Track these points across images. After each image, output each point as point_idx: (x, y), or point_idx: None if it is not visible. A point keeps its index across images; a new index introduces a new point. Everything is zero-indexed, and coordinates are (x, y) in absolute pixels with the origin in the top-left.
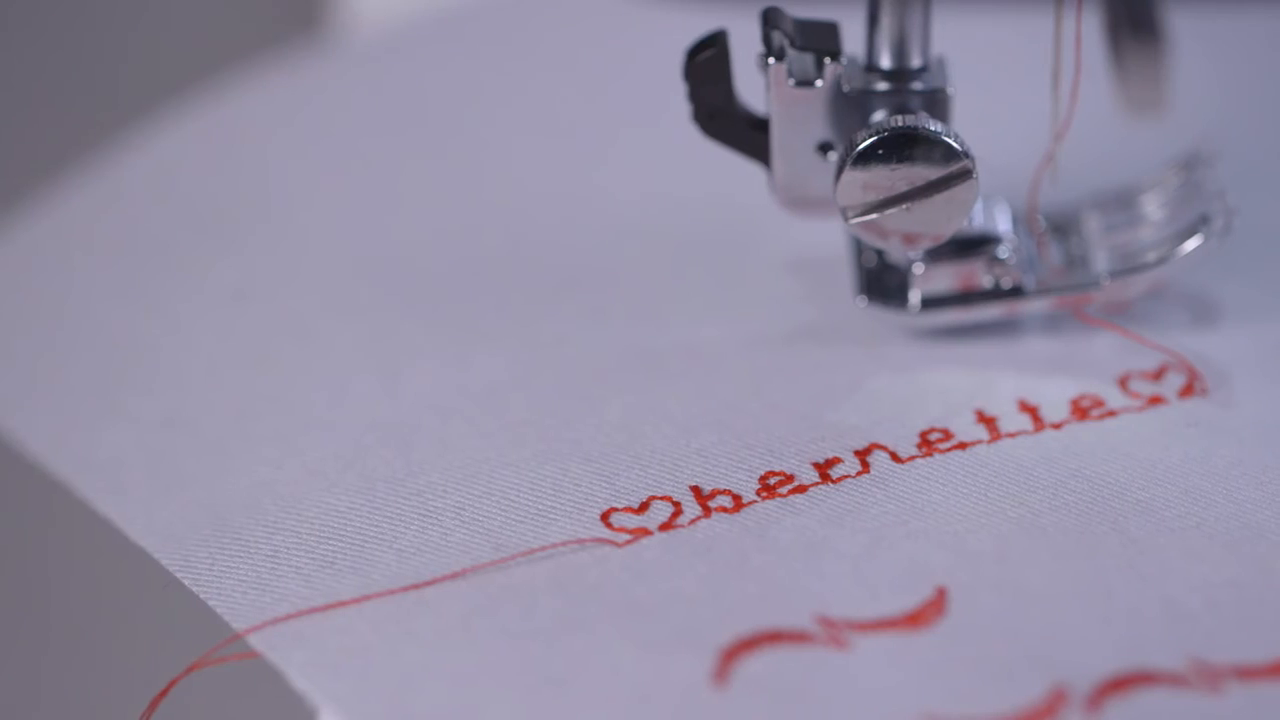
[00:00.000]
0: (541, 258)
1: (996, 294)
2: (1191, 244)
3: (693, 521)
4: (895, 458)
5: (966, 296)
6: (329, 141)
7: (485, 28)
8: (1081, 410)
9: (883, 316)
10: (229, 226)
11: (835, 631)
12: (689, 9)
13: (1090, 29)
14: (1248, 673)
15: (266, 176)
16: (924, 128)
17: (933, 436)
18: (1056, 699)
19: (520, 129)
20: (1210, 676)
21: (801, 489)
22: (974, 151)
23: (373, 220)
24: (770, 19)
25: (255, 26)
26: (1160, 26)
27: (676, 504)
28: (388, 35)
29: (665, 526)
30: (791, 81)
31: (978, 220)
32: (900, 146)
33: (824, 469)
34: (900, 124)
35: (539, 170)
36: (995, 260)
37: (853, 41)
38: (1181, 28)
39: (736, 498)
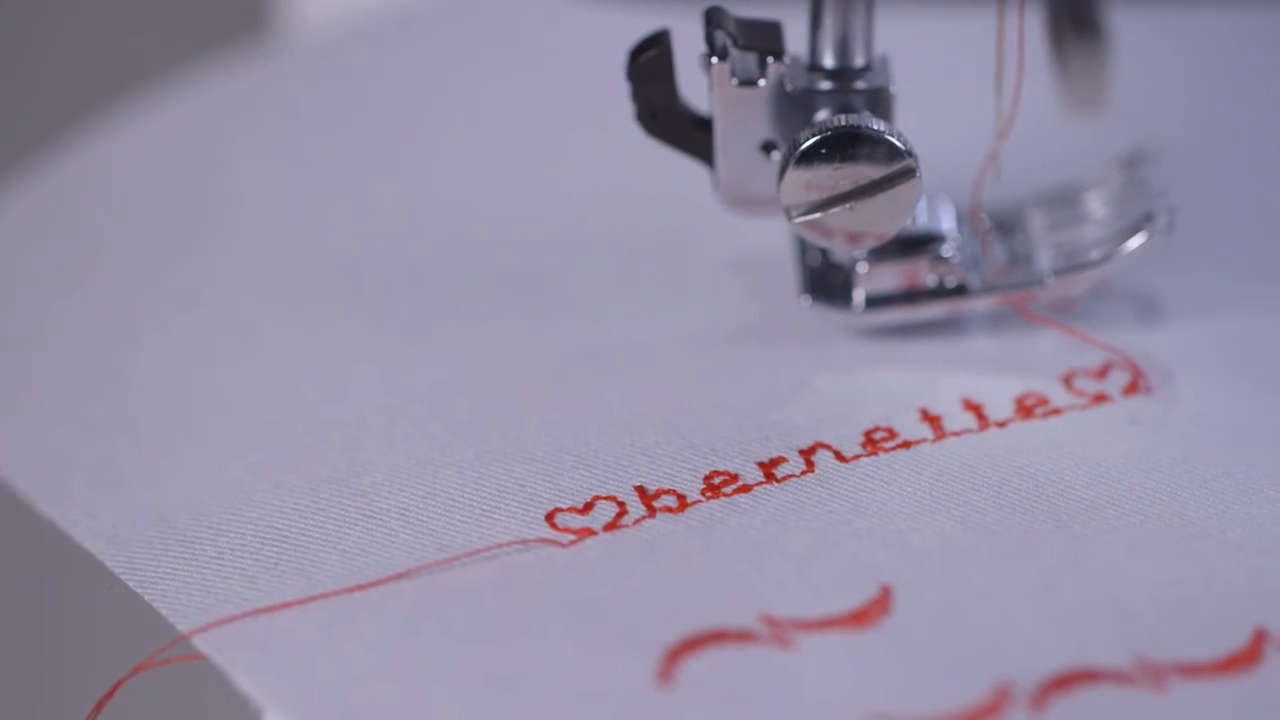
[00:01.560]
0: (486, 258)
1: (940, 293)
2: (1135, 241)
3: (637, 521)
4: (840, 457)
5: (910, 295)
6: (275, 143)
7: (429, 29)
8: (1026, 408)
9: (827, 315)
10: (175, 228)
11: (780, 631)
12: (632, 9)
13: (1033, 28)
14: (1192, 670)
15: (213, 178)
16: (867, 127)
17: (877, 435)
18: (1001, 697)
19: (465, 130)
20: (1154, 674)
21: (746, 488)
22: (917, 150)
23: (318, 221)
24: (713, 18)
25: (202, 28)
26: (1101, 25)
27: (621, 504)
28: (333, 37)
29: (610, 526)
30: (734, 81)
31: (921, 219)
32: (843, 145)
33: (768, 468)
34: (843, 123)
35: (484, 171)
36: (939, 259)
37: (795, 41)
38: (1124, 26)
39: (681, 497)
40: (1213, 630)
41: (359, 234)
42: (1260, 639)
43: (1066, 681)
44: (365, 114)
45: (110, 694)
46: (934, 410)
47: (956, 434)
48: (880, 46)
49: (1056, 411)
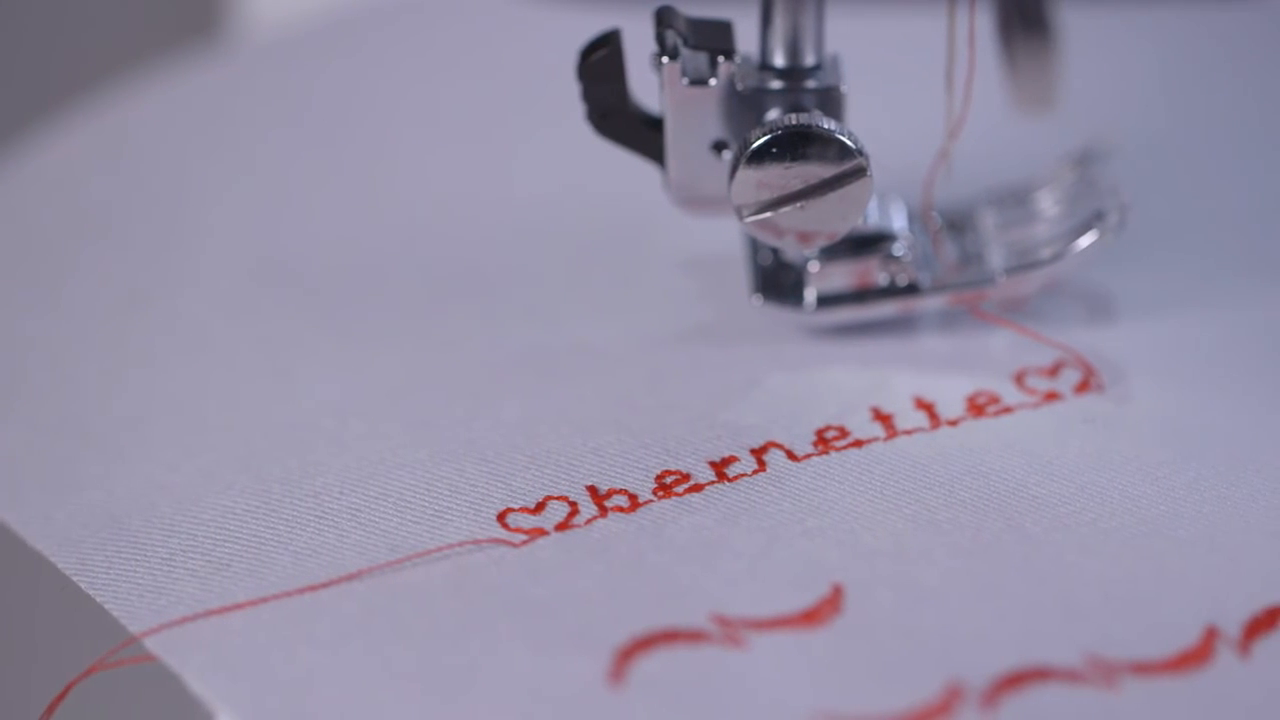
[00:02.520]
0: (438, 259)
1: (892, 291)
2: (1086, 240)
3: (589, 521)
4: (791, 456)
5: (862, 294)
6: (227, 144)
7: (380, 30)
8: (977, 407)
9: (778, 315)
10: (126, 229)
11: (731, 630)
12: (583, 9)
13: (984, 27)
14: (1143, 668)
15: (165, 179)
16: (818, 126)
17: (829, 435)
18: (952, 695)
19: (416, 131)
20: (1106, 672)
21: (698, 488)
22: (868, 149)
23: (269, 222)
24: (663, 18)
25: (155, 29)
26: (1051, 23)
27: (573, 504)
28: (285, 38)
29: (561, 526)
30: (685, 80)
31: (873, 218)
32: (794, 145)
33: (720, 468)
34: (794, 122)
35: (434, 171)
36: (891, 258)
37: (746, 40)
38: (1074, 24)
39: (633, 497)
40: (1164, 628)
41: (311, 235)
42: (1211, 637)
43: (1018, 680)
44: (317, 115)
45: (61, 696)
46: (886, 409)
47: (908, 433)
48: (831, 46)
49: (1008, 410)
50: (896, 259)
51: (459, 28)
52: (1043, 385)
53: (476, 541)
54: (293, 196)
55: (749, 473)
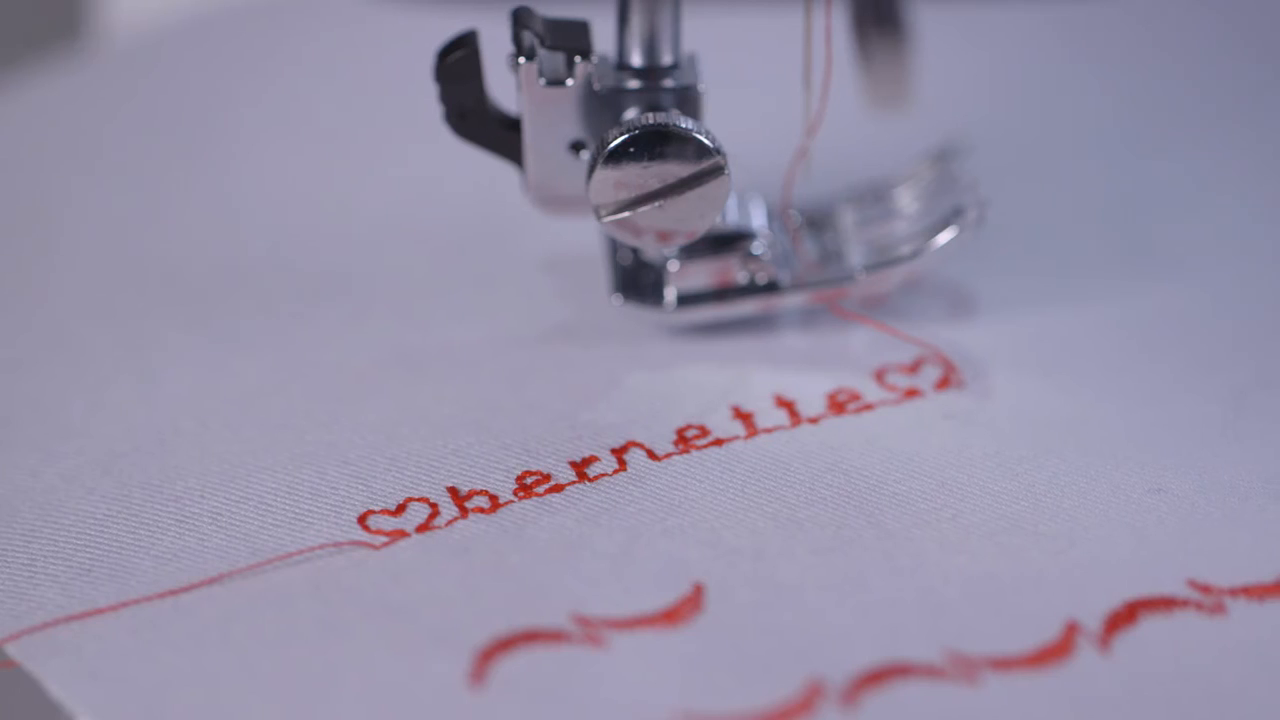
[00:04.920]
0: (298, 261)
1: (752, 290)
2: (945, 236)
3: (450, 523)
4: (652, 455)
5: (722, 293)
6: (89, 147)
7: (240, 33)
8: (838, 404)
9: (639, 314)
10: None
11: (592, 630)
12: (439, 11)
13: (840, 25)
14: (1003, 664)
15: (26, 182)
16: (675, 125)
17: (689, 433)
18: (813, 693)
19: (276, 133)
20: (966, 668)
21: (559, 488)
22: (726, 148)
23: (131, 225)
24: (520, 18)
25: (16, 33)
26: (904, 22)
27: (433, 505)
28: (146, 42)
29: (422, 528)
30: (542, 81)
31: (732, 216)
32: (652, 144)
33: (581, 468)
34: (651, 121)
35: (296, 174)
36: (750, 256)
37: (604, 40)
38: (929, 23)
39: (493, 498)
40: (1024, 623)
41: (172, 237)
42: (1072, 631)
43: (878, 677)
44: (178, 117)
45: None
46: (746, 407)
47: (769, 431)
48: (688, 45)
49: (869, 407)
50: (756, 257)
51: (318, 30)
52: (903, 382)
53: (337, 544)
54: (154, 199)
55: (610, 472)
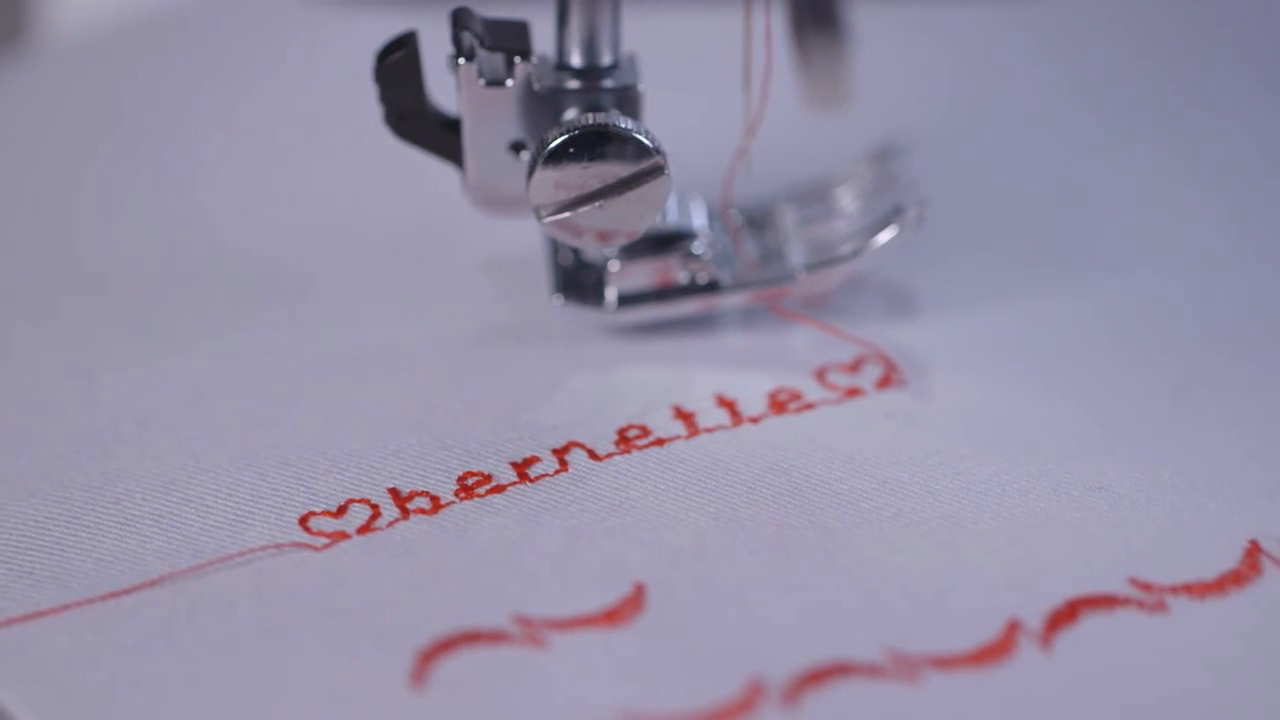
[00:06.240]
0: (239, 263)
1: (693, 290)
2: (886, 235)
3: (391, 524)
4: (593, 455)
5: (663, 293)
6: (26, 148)
7: (181, 35)
8: (779, 404)
9: (580, 314)
10: None
11: (533, 630)
12: (379, 12)
13: (780, 25)
14: (944, 662)
15: None
16: (615, 125)
17: (630, 433)
18: (754, 692)
19: (216, 134)
20: (907, 666)
21: (500, 489)
22: (666, 147)
23: (70, 227)
24: (460, 19)
25: None
26: (842, 21)
27: (375, 506)
28: (84, 43)
29: (363, 529)
30: (482, 81)
31: (672, 216)
32: (592, 144)
33: (522, 468)
34: (591, 122)
35: (235, 175)
36: (691, 256)
37: (544, 40)
38: (867, 22)
39: (435, 499)
40: (965, 622)
41: (112, 239)
42: (1013, 629)
43: (819, 676)
44: (118, 119)
45: None
46: (687, 407)
47: (710, 430)
48: (628, 45)
49: (810, 406)
50: (696, 257)
51: (257, 31)
52: (844, 381)
53: (278, 545)
54: (93, 201)
55: (551, 473)
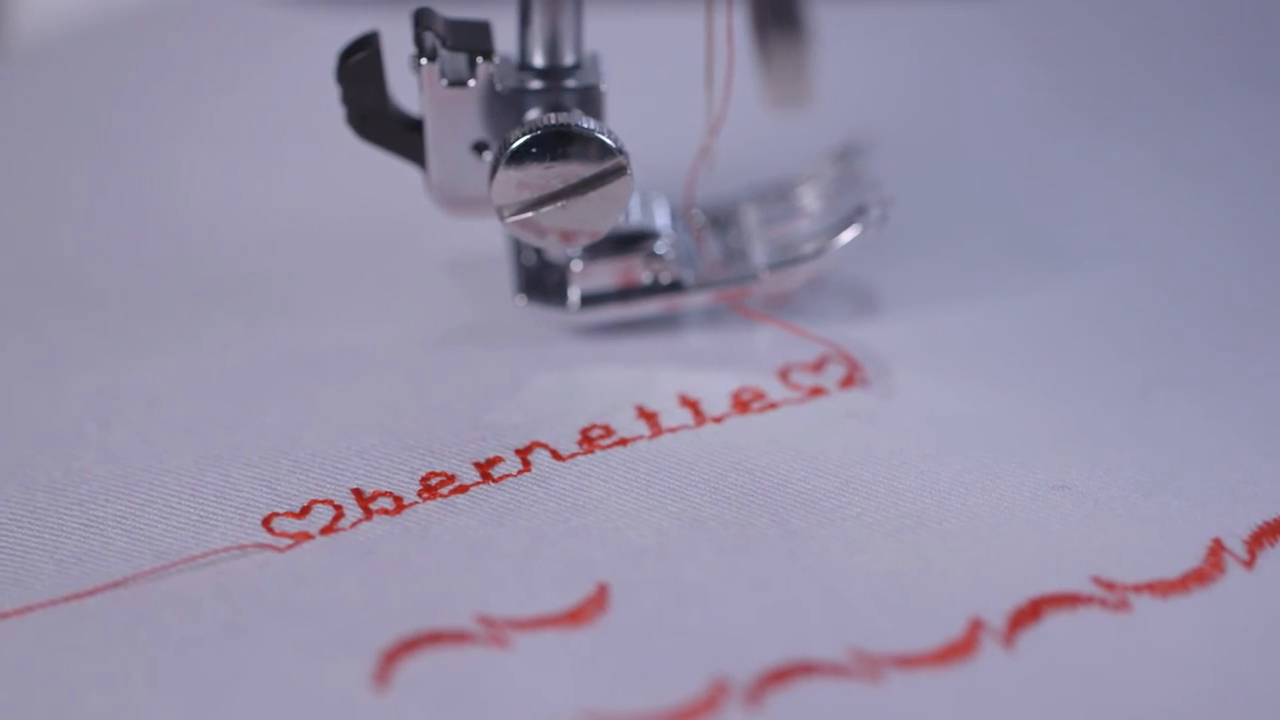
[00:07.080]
0: (201, 264)
1: (656, 289)
2: (849, 234)
3: (354, 524)
4: (556, 455)
5: (626, 293)
6: None
7: (144, 36)
8: (742, 403)
9: (543, 315)
10: None
11: (496, 630)
12: (341, 12)
13: (742, 25)
14: (907, 661)
15: None
16: (577, 125)
17: (594, 433)
18: (717, 692)
19: (179, 135)
20: (870, 666)
21: (463, 489)
22: (629, 147)
23: (32, 228)
24: (422, 19)
25: None
26: (804, 21)
27: (338, 507)
28: (51, 43)
29: (327, 530)
30: (444, 81)
31: (635, 216)
32: (554, 144)
33: (485, 468)
34: (553, 122)
35: (200, 176)
36: (654, 256)
37: (506, 40)
38: (829, 22)
39: (398, 499)
40: (928, 621)
41: (74, 240)
42: (975, 628)
43: (783, 675)
44: (81, 120)
45: None
46: (651, 407)
47: (673, 430)
48: (590, 45)
49: (773, 406)
50: (659, 257)
51: (220, 33)
52: (807, 380)
53: (242, 546)
54: (56, 202)
55: (514, 473)
